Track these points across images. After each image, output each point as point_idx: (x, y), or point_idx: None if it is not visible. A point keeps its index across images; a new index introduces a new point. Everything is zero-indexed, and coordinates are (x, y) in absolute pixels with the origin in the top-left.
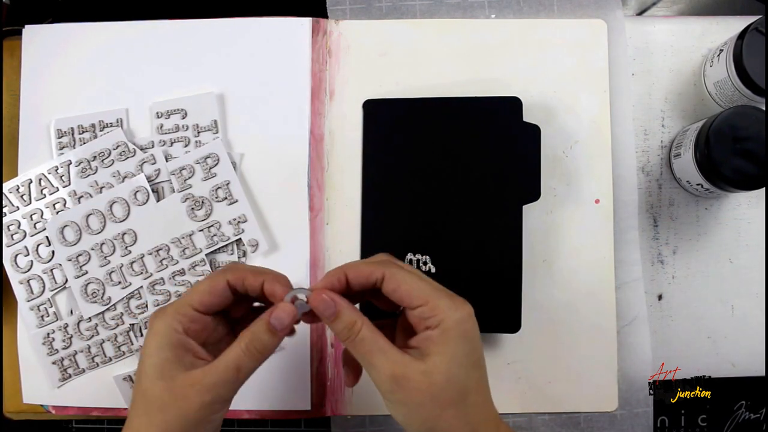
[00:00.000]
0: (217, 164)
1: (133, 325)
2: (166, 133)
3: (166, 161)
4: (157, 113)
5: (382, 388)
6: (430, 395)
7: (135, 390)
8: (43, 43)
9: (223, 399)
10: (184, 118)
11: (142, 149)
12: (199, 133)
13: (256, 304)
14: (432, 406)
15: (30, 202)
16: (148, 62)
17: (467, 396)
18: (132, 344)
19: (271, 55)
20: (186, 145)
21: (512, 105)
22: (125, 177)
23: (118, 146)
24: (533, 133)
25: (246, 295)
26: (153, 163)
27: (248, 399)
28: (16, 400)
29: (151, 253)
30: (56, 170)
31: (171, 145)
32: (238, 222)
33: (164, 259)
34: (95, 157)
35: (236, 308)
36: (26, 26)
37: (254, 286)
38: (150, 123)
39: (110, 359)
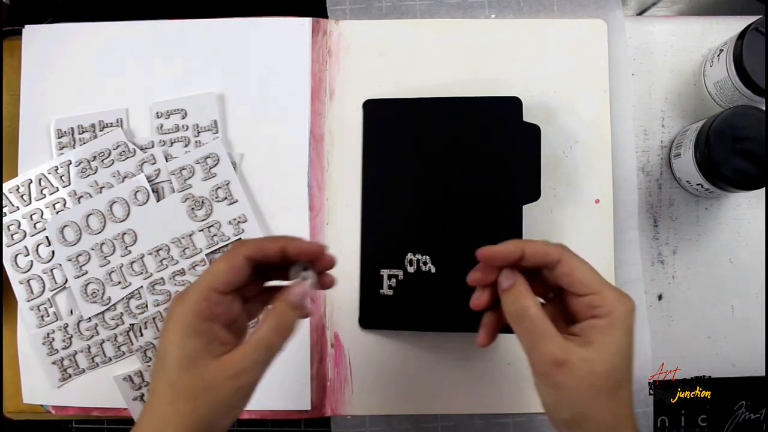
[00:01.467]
0: (217, 164)
1: (132, 325)
2: (166, 133)
3: (166, 161)
4: (157, 113)
5: (539, 370)
6: (588, 383)
7: (158, 380)
8: (43, 43)
9: (255, 382)
10: (184, 118)
11: (142, 149)
12: (199, 133)
13: (269, 283)
14: (588, 393)
15: (30, 202)
16: (148, 62)
17: (620, 388)
18: (132, 344)
19: (271, 55)
20: (186, 145)
21: (512, 105)
22: (125, 177)
23: (118, 146)
24: (533, 133)
25: (262, 269)
26: (153, 163)
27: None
28: (16, 400)
29: (151, 253)
30: (56, 170)
31: (171, 145)
32: (238, 222)
33: (164, 259)
34: (95, 157)
35: (250, 287)
36: (26, 26)
37: (274, 252)
38: (150, 123)
39: (110, 359)
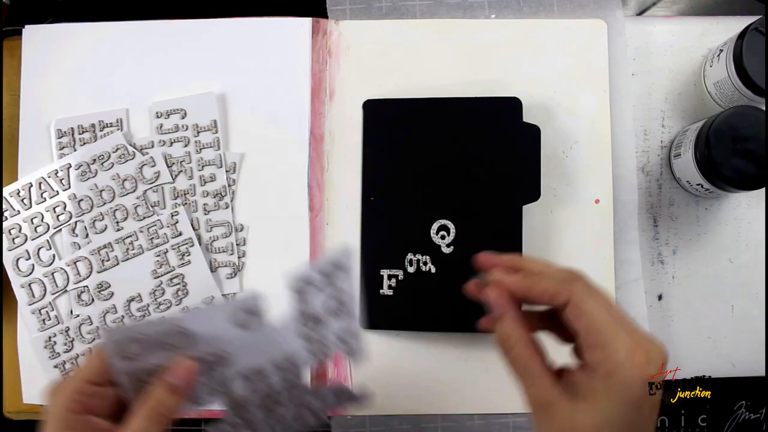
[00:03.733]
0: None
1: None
2: (165, 133)
3: (167, 165)
4: (157, 113)
5: (527, 407)
6: None
7: None
8: (43, 43)
9: None
10: (183, 117)
11: (141, 150)
12: (198, 132)
13: None
14: None
15: (30, 206)
16: (148, 62)
17: None
18: None
19: (271, 55)
20: (185, 145)
21: (512, 105)
22: (125, 180)
23: (117, 149)
24: (533, 133)
25: None
26: (152, 166)
27: None
28: (16, 400)
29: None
30: (56, 174)
31: (171, 145)
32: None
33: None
34: (95, 160)
35: None
36: (26, 26)
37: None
38: (149, 123)
39: None
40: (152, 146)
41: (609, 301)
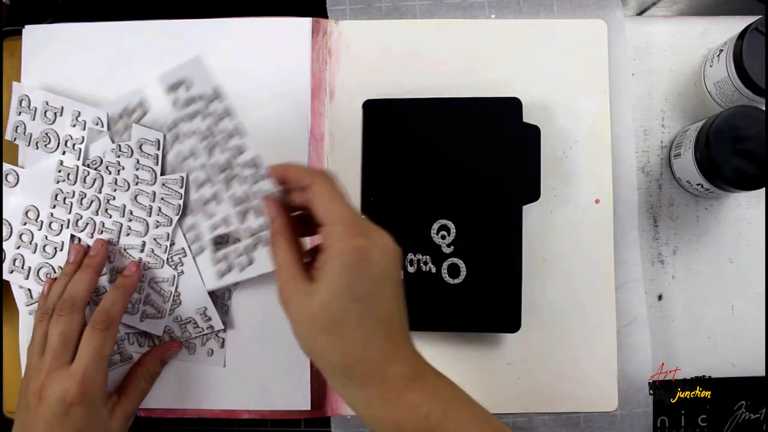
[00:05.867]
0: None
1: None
2: (184, 107)
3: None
4: (167, 87)
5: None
6: (307, 316)
7: None
8: (43, 43)
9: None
10: (189, 89)
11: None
12: (208, 104)
13: None
14: (308, 327)
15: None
16: (148, 62)
17: (341, 327)
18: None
19: (271, 55)
20: (204, 118)
21: (512, 105)
22: (99, 156)
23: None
24: (533, 133)
25: None
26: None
27: (248, 399)
28: (16, 400)
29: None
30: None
31: (191, 121)
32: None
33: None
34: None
35: None
36: (26, 26)
37: None
38: (166, 102)
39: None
40: (175, 125)
41: (343, 194)
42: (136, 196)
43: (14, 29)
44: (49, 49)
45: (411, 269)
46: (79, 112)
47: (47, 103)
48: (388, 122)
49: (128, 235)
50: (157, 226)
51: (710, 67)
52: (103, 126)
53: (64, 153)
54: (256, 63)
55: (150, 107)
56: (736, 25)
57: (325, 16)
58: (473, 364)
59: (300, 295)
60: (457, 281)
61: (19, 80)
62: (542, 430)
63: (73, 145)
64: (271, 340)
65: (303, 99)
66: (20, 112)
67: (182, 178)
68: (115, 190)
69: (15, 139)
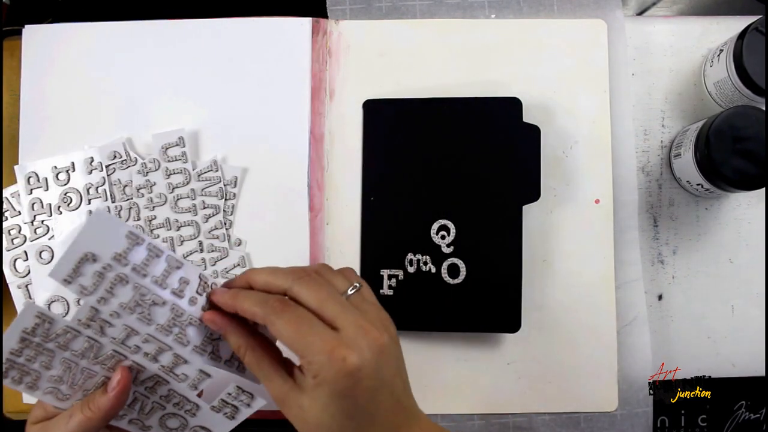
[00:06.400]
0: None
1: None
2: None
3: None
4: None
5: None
6: (304, 426)
7: None
8: (43, 43)
9: None
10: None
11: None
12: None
13: None
14: None
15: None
16: (148, 62)
17: None
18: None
19: (271, 55)
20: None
21: (512, 105)
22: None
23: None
24: (533, 133)
25: None
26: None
27: None
28: (16, 400)
29: None
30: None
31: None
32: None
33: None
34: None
35: None
36: (26, 26)
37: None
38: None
39: None
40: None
41: (301, 315)
42: (177, 201)
43: (14, 29)
44: (49, 49)
45: (411, 269)
46: (92, 158)
47: (56, 167)
48: (388, 122)
49: (182, 244)
50: (206, 220)
51: (710, 67)
52: (122, 156)
53: (89, 202)
54: (256, 63)
55: None
56: (736, 25)
57: (325, 16)
58: (473, 364)
59: (295, 406)
60: (457, 281)
61: (18, 80)
62: (542, 430)
63: (97, 188)
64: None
65: (303, 99)
66: (31, 190)
67: (214, 161)
68: (153, 209)
69: (35, 217)
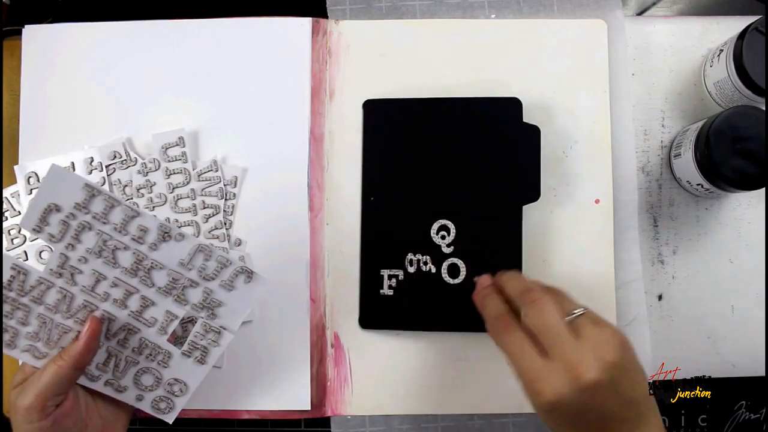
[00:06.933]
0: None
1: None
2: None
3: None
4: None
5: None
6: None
7: None
8: (43, 43)
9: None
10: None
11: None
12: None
13: None
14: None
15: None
16: (148, 62)
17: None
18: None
19: (271, 55)
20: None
21: (512, 106)
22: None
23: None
24: (533, 134)
25: None
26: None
27: (248, 399)
28: None
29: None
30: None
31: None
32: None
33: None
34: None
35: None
36: (26, 26)
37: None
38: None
39: None
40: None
41: (517, 338)
42: (177, 201)
43: (14, 29)
44: (49, 49)
45: (411, 269)
46: (92, 158)
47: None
48: (388, 122)
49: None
50: (206, 220)
51: (710, 67)
52: (122, 156)
53: None
54: (256, 63)
55: None
56: (736, 25)
57: (325, 16)
58: (473, 364)
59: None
60: (456, 281)
61: (18, 80)
62: (542, 430)
63: None
64: (271, 340)
65: (303, 99)
66: (31, 190)
67: (214, 161)
68: (153, 209)
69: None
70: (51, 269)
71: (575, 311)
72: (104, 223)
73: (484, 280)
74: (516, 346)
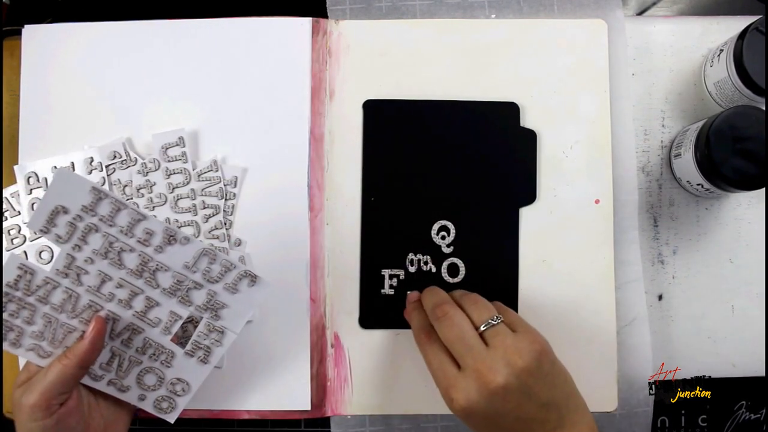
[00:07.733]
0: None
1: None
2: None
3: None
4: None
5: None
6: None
7: None
8: (43, 43)
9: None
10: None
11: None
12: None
13: None
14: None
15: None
16: (148, 62)
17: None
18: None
19: (271, 55)
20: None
21: (510, 110)
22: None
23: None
24: (530, 138)
25: None
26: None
27: (248, 399)
28: None
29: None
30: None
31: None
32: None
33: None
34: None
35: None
36: (26, 26)
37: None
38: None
39: None
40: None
41: (435, 350)
42: (177, 201)
43: (14, 29)
44: (49, 49)
45: (412, 269)
46: (92, 158)
47: (56, 167)
48: (388, 122)
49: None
50: (206, 220)
51: (710, 67)
52: (122, 156)
53: None
54: (256, 63)
55: None
56: (736, 25)
57: (325, 16)
58: None
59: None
60: (456, 280)
61: (18, 80)
62: None
63: None
64: (271, 340)
65: (303, 99)
66: (31, 190)
67: (214, 161)
68: (153, 209)
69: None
70: (57, 269)
71: (491, 320)
72: (111, 225)
73: (412, 296)
74: (434, 357)
